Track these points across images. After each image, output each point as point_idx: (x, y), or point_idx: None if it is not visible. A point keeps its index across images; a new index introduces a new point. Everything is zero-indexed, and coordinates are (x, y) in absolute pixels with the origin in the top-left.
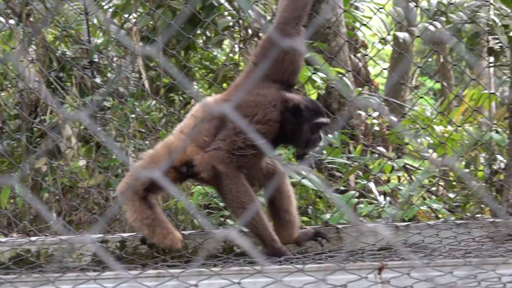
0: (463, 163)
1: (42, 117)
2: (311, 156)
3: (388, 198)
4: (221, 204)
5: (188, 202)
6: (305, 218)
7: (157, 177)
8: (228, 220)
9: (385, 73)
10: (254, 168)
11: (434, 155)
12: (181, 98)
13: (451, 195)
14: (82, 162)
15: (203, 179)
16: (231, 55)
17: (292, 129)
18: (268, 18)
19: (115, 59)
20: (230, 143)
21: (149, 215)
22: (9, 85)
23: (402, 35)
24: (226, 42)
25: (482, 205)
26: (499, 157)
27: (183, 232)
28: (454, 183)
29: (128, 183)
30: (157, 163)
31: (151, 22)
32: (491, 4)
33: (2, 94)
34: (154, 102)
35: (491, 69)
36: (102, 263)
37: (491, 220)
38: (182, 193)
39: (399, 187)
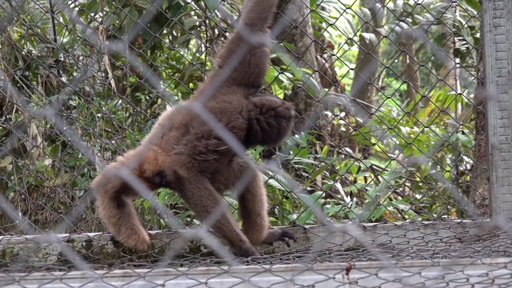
0: (430, 164)
1: (8, 116)
2: (278, 156)
3: (355, 199)
4: None
5: (155, 202)
6: (272, 219)
7: (126, 176)
8: (194, 220)
9: (351, 74)
10: (219, 172)
11: (401, 156)
12: (147, 97)
13: (418, 196)
14: (48, 161)
15: (174, 187)
16: (197, 54)
17: (273, 130)
18: (235, 17)
19: (81, 58)
20: (192, 148)
21: (115, 213)
22: None
23: (368, 35)
24: (193, 41)
25: (448, 206)
26: (465, 158)
27: (150, 231)
28: (421, 184)
29: (101, 179)
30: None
31: (118, 21)
32: (458, 5)
33: None
34: (120, 101)
35: (457, 70)
36: (68, 262)
37: (459, 221)
38: (149, 193)
39: (366, 187)
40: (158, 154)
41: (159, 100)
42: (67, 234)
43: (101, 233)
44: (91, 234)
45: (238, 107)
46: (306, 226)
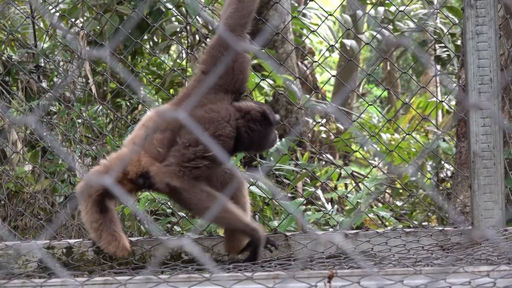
0: (410, 171)
1: None
2: (259, 163)
3: (335, 206)
4: (168, 210)
5: (136, 208)
6: None
7: (109, 185)
8: (175, 227)
9: (332, 80)
10: (211, 178)
11: (382, 162)
12: (128, 103)
13: (398, 203)
14: (28, 167)
15: (159, 190)
16: (178, 60)
17: (260, 135)
18: (216, 23)
19: (61, 63)
20: (180, 157)
21: (97, 219)
22: None
23: (349, 42)
24: (174, 47)
25: (429, 213)
26: (446, 165)
27: (130, 238)
28: (401, 191)
29: (85, 184)
30: (109, 173)
31: (98, 27)
32: (439, 12)
33: None
34: (101, 107)
35: (438, 78)
36: (48, 269)
37: (440, 228)
38: (130, 199)
39: (347, 194)
40: (141, 155)
41: (140, 106)
42: (47, 241)
43: (81, 240)
44: (72, 241)
45: (226, 116)
46: (288, 233)
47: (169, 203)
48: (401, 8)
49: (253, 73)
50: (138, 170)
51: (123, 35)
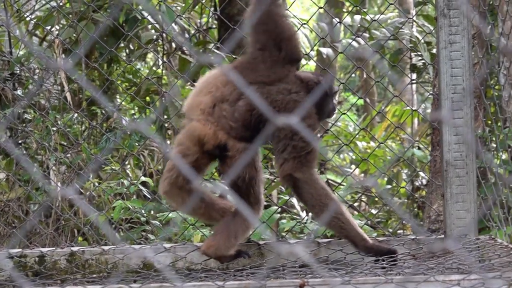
0: (386, 179)
1: None
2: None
3: (310, 214)
4: (143, 219)
5: (99, 219)
6: None
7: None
8: (149, 235)
9: None
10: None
11: (357, 171)
12: (103, 111)
13: (373, 211)
14: (1, 175)
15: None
16: (154, 68)
17: (316, 106)
18: (192, 31)
19: (37, 71)
20: (292, 150)
21: (199, 204)
22: None
23: (325, 50)
24: (150, 55)
25: (404, 221)
26: (421, 173)
27: (103, 247)
28: (377, 199)
29: (168, 181)
30: (187, 155)
31: (74, 35)
32: (414, 21)
33: None
34: (76, 115)
35: (414, 86)
36: (21, 278)
37: (413, 237)
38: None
39: None
40: (217, 130)
41: (115, 114)
42: (20, 250)
43: (54, 248)
44: (44, 250)
45: (303, 96)
46: (260, 242)
47: (143, 211)
48: (377, 17)
49: None
50: (216, 142)
51: (98, 43)
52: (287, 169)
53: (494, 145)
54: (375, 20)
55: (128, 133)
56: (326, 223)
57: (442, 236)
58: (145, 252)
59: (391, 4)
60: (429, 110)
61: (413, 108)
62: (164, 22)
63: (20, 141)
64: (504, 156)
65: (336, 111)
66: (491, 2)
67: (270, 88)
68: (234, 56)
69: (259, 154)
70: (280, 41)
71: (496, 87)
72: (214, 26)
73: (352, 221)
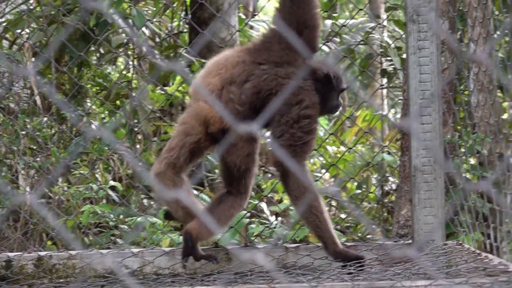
0: (355, 184)
1: None
2: (202, 174)
3: (280, 218)
4: (111, 223)
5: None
6: None
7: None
8: (118, 240)
9: None
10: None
11: (327, 175)
12: (72, 115)
13: (343, 216)
14: None
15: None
16: (124, 72)
17: (321, 98)
18: (163, 35)
19: (6, 74)
20: (290, 137)
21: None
22: None
23: None
24: (121, 58)
25: (373, 226)
26: (390, 178)
27: (70, 252)
28: (347, 203)
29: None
30: (190, 135)
31: (45, 38)
32: (384, 26)
33: None
34: (45, 119)
35: (384, 91)
36: None
37: (381, 242)
38: (68, 214)
39: (291, 207)
40: (221, 111)
41: (84, 118)
42: None
43: (21, 253)
44: (11, 254)
45: (311, 82)
46: (228, 247)
47: (112, 215)
48: (348, 22)
49: None
50: (221, 126)
51: (67, 47)
52: (278, 157)
53: (464, 150)
54: (344, 25)
55: (98, 137)
56: (304, 217)
57: (410, 241)
58: (112, 257)
59: (361, 9)
60: (399, 115)
61: (383, 113)
62: (135, 26)
63: None
64: (472, 162)
65: (341, 108)
66: (460, 8)
67: (278, 70)
68: (203, 60)
69: (258, 146)
70: (304, 27)
71: (466, 92)
72: (185, 30)
73: (329, 223)
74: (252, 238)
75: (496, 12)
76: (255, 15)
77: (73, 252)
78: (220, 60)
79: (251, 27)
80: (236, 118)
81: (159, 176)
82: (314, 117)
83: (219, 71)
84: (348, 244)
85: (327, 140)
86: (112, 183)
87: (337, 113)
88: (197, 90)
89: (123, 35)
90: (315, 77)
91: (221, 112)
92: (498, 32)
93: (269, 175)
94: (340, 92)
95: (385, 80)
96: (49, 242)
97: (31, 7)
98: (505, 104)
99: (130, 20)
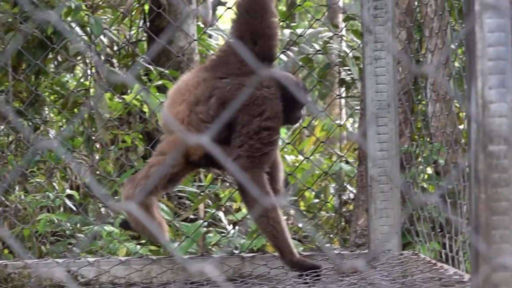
0: (313, 193)
1: None
2: None
3: (237, 228)
4: (67, 232)
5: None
6: (152, 247)
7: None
8: (75, 249)
9: None
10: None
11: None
12: (30, 123)
13: (300, 225)
14: None
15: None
16: (82, 80)
17: (285, 107)
18: (121, 43)
19: None
20: (248, 148)
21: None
22: None
23: None
24: (80, 66)
25: (331, 235)
26: (348, 187)
27: (26, 261)
28: (305, 212)
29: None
30: (170, 166)
31: (2, 46)
32: (341, 36)
33: None
34: (2, 127)
35: (343, 100)
36: None
37: (337, 252)
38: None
39: (249, 216)
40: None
41: (42, 127)
42: None
43: None
44: None
45: (275, 90)
46: (185, 256)
47: (68, 223)
48: (305, 31)
49: (157, 93)
50: (202, 152)
51: (25, 54)
52: (237, 166)
53: (421, 160)
54: (301, 35)
55: (55, 145)
56: (260, 228)
57: (367, 251)
58: (68, 266)
59: (318, 19)
60: (357, 125)
61: (340, 123)
62: (93, 34)
63: None
64: (430, 171)
65: (301, 121)
66: (418, 18)
67: (241, 79)
68: (160, 69)
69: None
70: (259, 36)
71: (423, 102)
72: (144, 38)
73: (286, 233)
74: (210, 247)
75: (453, 23)
76: (213, 24)
77: (28, 261)
78: (180, 86)
79: (210, 36)
80: (212, 140)
81: (128, 199)
82: (275, 128)
83: (183, 98)
84: (305, 253)
85: (285, 149)
86: (69, 191)
87: (298, 124)
88: (167, 122)
89: (82, 43)
90: (279, 84)
91: (195, 140)
92: (455, 43)
93: (227, 184)
94: (303, 106)
95: (343, 90)
96: (5, 251)
97: None
98: (462, 114)
99: (88, 28)
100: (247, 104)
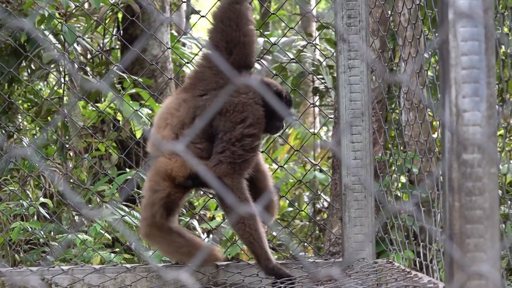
0: (287, 201)
1: None
2: (137, 192)
3: (211, 236)
4: (41, 240)
5: None
6: (127, 256)
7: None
8: (49, 257)
9: None
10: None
11: None
12: (3, 131)
13: (275, 233)
14: None
15: (209, 186)
16: (55, 88)
17: (267, 113)
18: (94, 51)
19: None
20: (230, 155)
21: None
22: None
23: None
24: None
25: (305, 244)
26: (322, 196)
27: (0, 269)
28: (279, 221)
29: (146, 222)
30: (158, 191)
31: None
32: (315, 45)
33: None
34: None
35: (316, 109)
36: None
37: (311, 260)
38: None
39: (223, 225)
40: (185, 161)
41: (15, 135)
42: None
43: None
44: None
45: (255, 96)
46: (160, 264)
47: (42, 232)
48: (280, 40)
49: (131, 101)
50: (186, 173)
51: None
52: (218, 171)
53: (394, 169)
54: (275, 44)
55: (29, 153)
56: (238, 234)
57: (341, 259)
58: (43, 274)
59: (291, 28)
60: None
61: (314, 132)
62: (66, 42)
63: None
64: (403, 180)
65: (281, 131)
66: (391, 27)
67: (220, 92)
68: (134, 77)
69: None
70: (235, 44)
71: (396, 111)
72: (117, 46)
73: (264, 239)
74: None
75: (426, 32)
76: (187, 32)
77: (2, 269)
78: (162, 111)
79: (184, 44)
80: (201, 157)
81: (149, 238)
82: (257, 135)
83: (166, 122)
84: (280, 262)
85: None
86: (42, 199)
87: (278, 133)
88: (154, 146)
89: (55, 51)
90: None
91: (171, 147)
92: (428, 51)
93: (201, 192)
94: (285, 117)
95: (317, 98)
96: None
97: None
98: (435, 123)
99: (61, 36)
100: (227, 111)
